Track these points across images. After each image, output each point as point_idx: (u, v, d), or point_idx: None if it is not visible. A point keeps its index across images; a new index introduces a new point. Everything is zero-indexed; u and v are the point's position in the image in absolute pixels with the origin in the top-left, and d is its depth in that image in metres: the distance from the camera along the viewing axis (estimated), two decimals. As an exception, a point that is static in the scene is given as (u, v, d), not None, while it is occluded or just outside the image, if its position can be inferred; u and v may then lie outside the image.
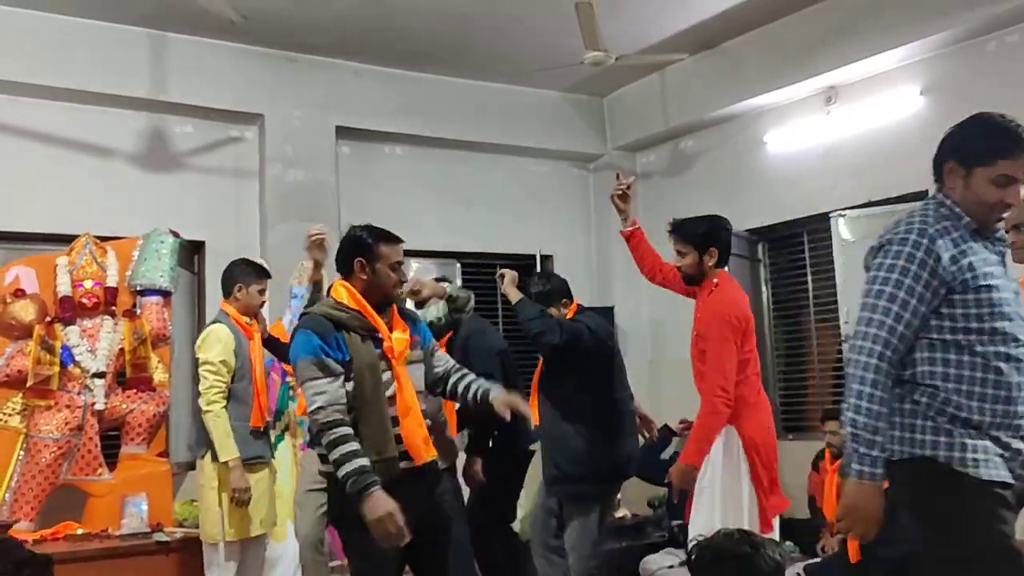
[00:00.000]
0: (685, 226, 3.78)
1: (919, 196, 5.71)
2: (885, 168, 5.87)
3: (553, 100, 7.31)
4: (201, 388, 4.14)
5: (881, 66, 5.81)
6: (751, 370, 3.71)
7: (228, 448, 4.09)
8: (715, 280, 3.74)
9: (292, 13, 5.69)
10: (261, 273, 4.45)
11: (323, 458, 2.98)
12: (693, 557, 2.18)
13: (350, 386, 2.94)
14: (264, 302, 4.45)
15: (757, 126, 6.67)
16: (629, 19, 5.88)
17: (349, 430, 2.87)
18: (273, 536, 4.66)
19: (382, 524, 2.77)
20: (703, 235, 3.73)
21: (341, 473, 2.81)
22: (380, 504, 2.78)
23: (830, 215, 6.21)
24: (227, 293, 4.39)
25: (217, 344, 4.19)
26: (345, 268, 3.10)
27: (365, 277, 3.06)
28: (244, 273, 4.40)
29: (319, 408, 2.88)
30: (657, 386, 6.88)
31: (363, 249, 3.06)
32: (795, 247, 6.56)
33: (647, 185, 7.61)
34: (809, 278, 6.51)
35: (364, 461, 2.83)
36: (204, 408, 4.12)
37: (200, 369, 4.16)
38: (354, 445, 2.85)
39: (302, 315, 3.14)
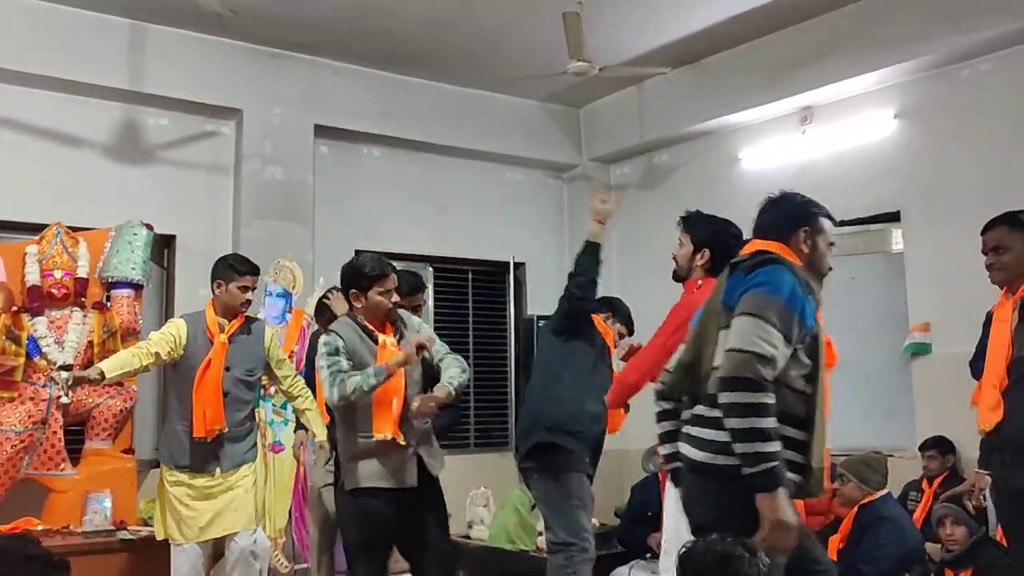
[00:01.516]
0: (694, 219, 3.61)
1: (891, 217, 5.86)
2: (858, 188, 5.98)
3: (531, 109, 7.35)
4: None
5: (856, 88, 5.93)
6: None
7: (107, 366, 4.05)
8: (699, 282, 3.54)
9: (276, 9, 5.65)
10: (245, 269, 4.28)
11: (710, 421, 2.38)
12: (684, 559, 2.17)
13: (808, 361, 2.43)
14: (248, 301, 4.29)
15: (732, 143, 6.76)
16: (611, 31, 5.93)
17: (773, 401, 2.29)
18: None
19: (784, 534, 2.25)
20: (704, 233, 3.55)
21: (753, 449, 2.24)
22: (790, 509, 2.26)
23: (802, 233, 6.32)
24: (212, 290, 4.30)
25: (166, 330, 4.23)
26: (784, 232, 2.61)
27: (806, 250, 2.59)
28: (224, 268, 4.26)
29: (762, 357, 2.28)
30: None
31: (809, 218, 2.62)
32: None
33: (620, 197, 7.66)
34: (779, 294, 6.59)
35: (779, 447, 2.28)
36: None
37: None
38: (775, 423, 2.27)
39: (764, 258, 2.50)
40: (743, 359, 2.29)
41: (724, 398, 2.31)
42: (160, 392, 5.93)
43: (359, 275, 3.73)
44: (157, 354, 4.13)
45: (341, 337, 3.69)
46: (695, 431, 2.50)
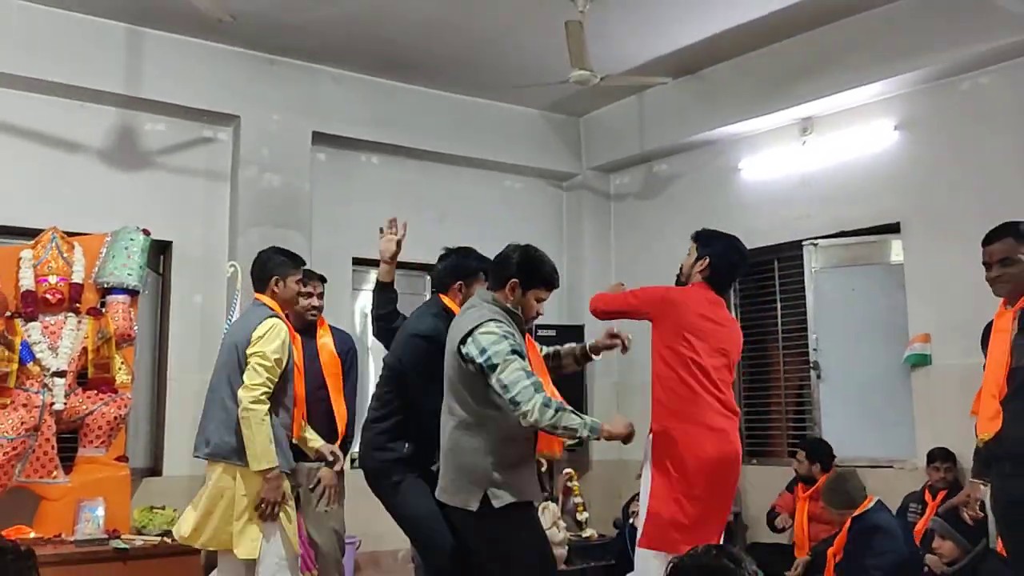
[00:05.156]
0: (706, 233, 3.81)
1: (891, 228, 5.86)
2: (858, 199, 5.98)
3: (530, 117, 7.34)
4: (250, 382, 3.57)
5: (857, 100, 5.93)
6: (696, 381, 3.55)
7: (271, 455, 3.56)
8: (691, 284, 3.75)
9: (274, 15, 5.63)
10: (297, 262, 3.94)
11: None
12: (673, 572, 2.13)
13: None
14: (300, 294, 4.09)
15: (732, 153, 6.75)
16: (612, 41, 5.93)
17: None
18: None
19: None
20: (706, 243, 3.76)
21: None
22: None
23: (802, 243, 6.33)
24: (262, 287, 3.86)
25: (277, 339, 3.64)
26: None
27: None
28: (280, 264, 3.86)
29: None
30: (622, 408, 6.89)
31: None
32: (766, 273, 6.62)
33: (619, 207, 7.67)
34: (779, 305, 6.56)
35: None
36: (249, 406, 3.52)
37: (252, 361, 3.60)
38: None
39: None
40: None
41: None
42: (153, 400, 5.91)
43: (538, 269, 3.30)
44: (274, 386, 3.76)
45: (507, 326, 3.17)
46: None
